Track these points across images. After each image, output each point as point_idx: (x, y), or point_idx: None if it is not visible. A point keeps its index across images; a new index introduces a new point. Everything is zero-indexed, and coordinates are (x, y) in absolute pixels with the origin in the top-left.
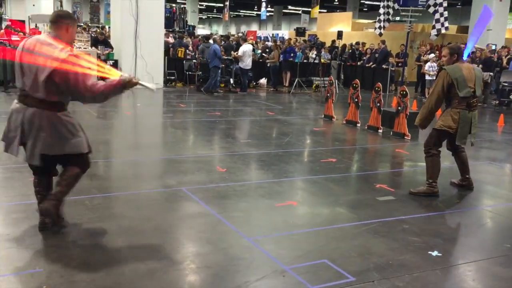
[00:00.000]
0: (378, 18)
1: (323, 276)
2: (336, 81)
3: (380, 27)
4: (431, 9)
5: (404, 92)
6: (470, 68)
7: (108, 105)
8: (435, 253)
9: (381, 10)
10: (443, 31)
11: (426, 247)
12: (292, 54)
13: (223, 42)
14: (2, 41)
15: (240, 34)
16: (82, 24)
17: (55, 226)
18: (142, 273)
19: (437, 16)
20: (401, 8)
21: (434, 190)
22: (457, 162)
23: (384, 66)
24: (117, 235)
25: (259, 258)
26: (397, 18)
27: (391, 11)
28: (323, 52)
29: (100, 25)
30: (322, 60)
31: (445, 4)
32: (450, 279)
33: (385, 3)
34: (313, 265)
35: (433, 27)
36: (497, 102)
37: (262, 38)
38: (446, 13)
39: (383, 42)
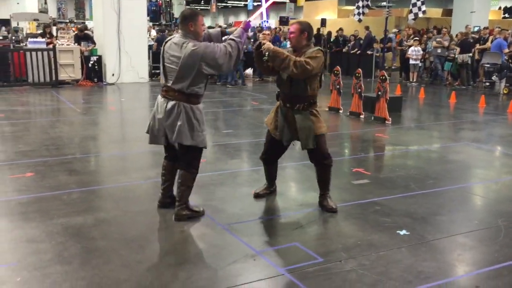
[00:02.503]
0: (356, 4)
1: (293, 258)
2: None
3: (359, 13)
4: None
5: (384, 77)
6: None
7: (92, 101)
8: (403, 232)
9: None
10: (420, 15)
11: (395, 226)
12: (277, 43)
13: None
14: None
15: (225, 26)
16: (67, 21)
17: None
18: (116, 265)
19: (413, 0)
20: None
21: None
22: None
23: (368, 52)
24: (93, 228)
25: (230, 244)
26: (383, 4)
27: None
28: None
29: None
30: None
31: None
32: (415, 255)
33: None
34: (284, 248)
35: (410, 11)
36: (485, 83)
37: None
38: None
39: (367, 28)
